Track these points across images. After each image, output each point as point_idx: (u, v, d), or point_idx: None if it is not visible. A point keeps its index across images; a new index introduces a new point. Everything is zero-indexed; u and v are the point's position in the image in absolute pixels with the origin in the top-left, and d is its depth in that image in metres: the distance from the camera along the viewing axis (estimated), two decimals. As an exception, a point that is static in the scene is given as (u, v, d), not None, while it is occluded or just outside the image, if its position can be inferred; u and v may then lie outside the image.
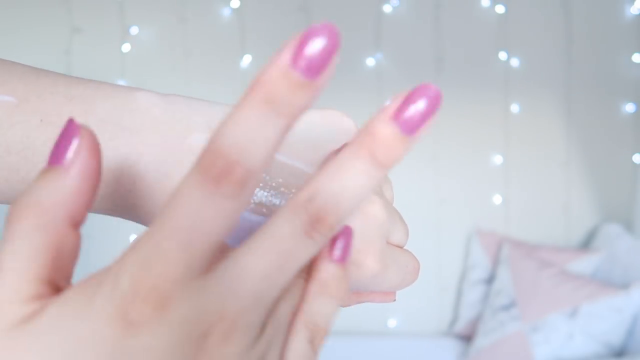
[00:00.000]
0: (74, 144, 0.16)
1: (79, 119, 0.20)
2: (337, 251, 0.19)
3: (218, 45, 1.72)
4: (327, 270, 0.19)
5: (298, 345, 0.18)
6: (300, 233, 0.16)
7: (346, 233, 0.19)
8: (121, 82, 1.65)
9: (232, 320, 0.15)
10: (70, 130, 0.16)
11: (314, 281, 0.19)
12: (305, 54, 0.14)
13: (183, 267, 0.14)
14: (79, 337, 0.14)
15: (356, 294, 0.25)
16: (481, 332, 1.56)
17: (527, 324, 1.44)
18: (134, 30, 1.70)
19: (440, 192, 1.73)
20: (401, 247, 0.25)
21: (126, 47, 1.69)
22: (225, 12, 1.71)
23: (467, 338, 1.69)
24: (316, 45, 0.15)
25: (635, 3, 1.68)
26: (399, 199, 0.26)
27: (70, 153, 0.16)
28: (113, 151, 0.21)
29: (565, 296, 1.43)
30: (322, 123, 0.23)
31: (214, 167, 0.14)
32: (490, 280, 1.69)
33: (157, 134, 0.21)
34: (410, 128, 0.16)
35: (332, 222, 0.17)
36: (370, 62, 1.71)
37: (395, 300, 0.26)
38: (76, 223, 0.16)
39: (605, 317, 1.38)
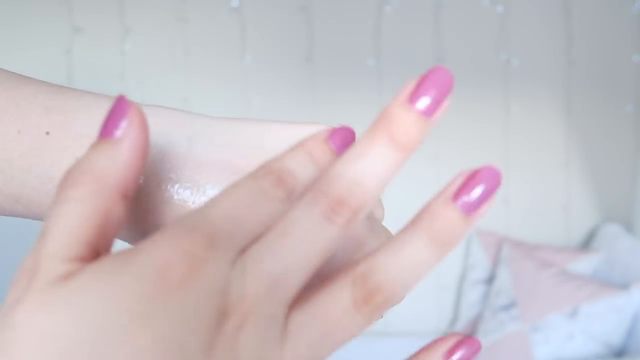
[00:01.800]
0: (126, 119, 0.17)
1: (57, 132, 0.20)
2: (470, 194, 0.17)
3: (218, 45, 1.72)
4: (445, 207, 0.17)
5: (328, 298, 0.16)
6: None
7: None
8: (121, 82, 1.65)
9: (249, 306, 0.15)
10: (121, 105, 0.17)
11: (418, 219, 0.17)
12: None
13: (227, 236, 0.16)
14: (111, 295, 0.14)
15: None
16: (481, 332, 1.56)
17: (527, 324, 1.44)
18: (134, 30, 1.70)
19: (440, 192, 1.73)
20: None
21: (126, 47, 1.70)
22: (225, 12, 1.71)
23: (467, 338, 1.69)
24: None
25: (636, 3, 1.68)
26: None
27: (122, 127, 0.17)
28: None
29: (565, 296, 1.43)
30: (301, 137, 0.23)
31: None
32: (490, 280, 1.69)
33: None
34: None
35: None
36: (370, 62, 1.71)
37: None
38: (126, 194, 0.17)
39: (605, 317, 1.38)
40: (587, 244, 1.74)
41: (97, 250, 0.16)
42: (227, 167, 0.21)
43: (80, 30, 1.70)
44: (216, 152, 0.21)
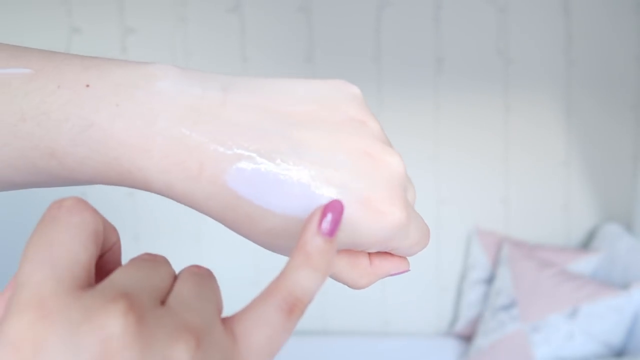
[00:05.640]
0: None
1: (96, 83, 0.21)
2: (326, 225, 0.21)
3: (218, 45, 1.72)
4: (313, 243, 0.20)
5: (266, 310, 0.20)
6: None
7: (336, 207, 0.21)
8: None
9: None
10: None
11: (298, 252, 0.21)
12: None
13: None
14: None
15: (374, 267, 0.26)
16: (481, 332, 1.55)
17: (527, 324, 1.44)
18: (134, 30, 1.70)
19: (440, 192, 1.73)
20: None
21: (126, 48, 1.69)
22: (225, 12, 1.71)
23: (467, 338, 1.69)
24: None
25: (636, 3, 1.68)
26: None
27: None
28: (128, 112, 0.21)
29: (565, 296, 1.43)
30: (328, 87, 0.24)
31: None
32: (490, 280, 1.69)
33: (173, 94, 0.22)
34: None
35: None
36: (370, 62, 1.71)
37: (409, 269, 0.27)
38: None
39: (605, 317, 1.38)
40: (587, 244, 1.74)
41: None
42: (265, 111, 0.22)
43: (79, 31, 1.70)
44: (252, 97, 0.22)
